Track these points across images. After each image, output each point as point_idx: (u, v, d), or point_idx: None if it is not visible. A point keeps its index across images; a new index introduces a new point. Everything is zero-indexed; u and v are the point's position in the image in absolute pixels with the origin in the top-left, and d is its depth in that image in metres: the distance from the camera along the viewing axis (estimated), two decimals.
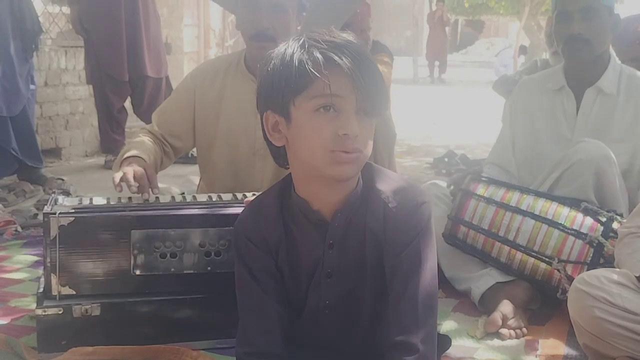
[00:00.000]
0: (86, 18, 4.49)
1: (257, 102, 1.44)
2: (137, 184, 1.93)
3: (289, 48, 1.35)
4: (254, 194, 1.88)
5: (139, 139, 2.27)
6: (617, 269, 1.75)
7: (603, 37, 2.36)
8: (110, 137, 4.74)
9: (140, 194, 1.93)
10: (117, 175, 1.94)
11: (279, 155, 1.47)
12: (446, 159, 4.89)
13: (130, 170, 1.95)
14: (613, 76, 2.38)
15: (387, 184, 1.44)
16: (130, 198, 1.91)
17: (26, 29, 3.88)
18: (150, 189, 1.97)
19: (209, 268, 1.81)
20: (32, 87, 3.96)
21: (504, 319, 2.00)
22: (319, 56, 1.31)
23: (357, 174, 1.42)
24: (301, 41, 1.35)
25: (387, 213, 1.42)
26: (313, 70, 1.30)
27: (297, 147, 1.39)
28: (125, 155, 2.11)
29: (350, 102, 1.33)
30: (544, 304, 2.18)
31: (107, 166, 4.73)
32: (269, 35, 2.20)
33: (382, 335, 1.45)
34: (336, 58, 1.30)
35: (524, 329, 2.02)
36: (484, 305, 2.13)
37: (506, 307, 2.03)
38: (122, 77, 4.59)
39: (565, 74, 2.45)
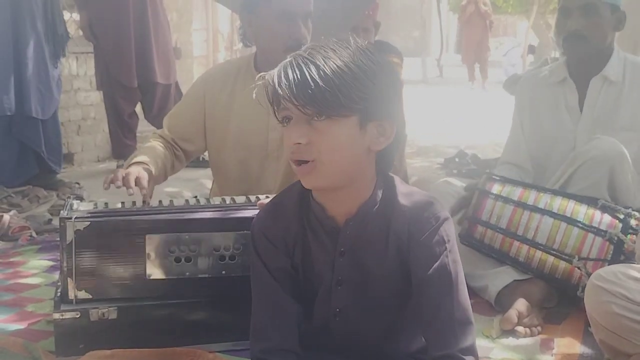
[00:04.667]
0: (95, 24, 4.52)
1: None
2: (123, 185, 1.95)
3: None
4: (267, 196, 1.88)
5: (150, 144, 2.30)
6: (635, 265, 1.74)
7: (601, 33, 2.35)
8: (122, 142, 4.77)
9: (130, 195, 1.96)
10: (115, 176, 1.98)
11: None
12: (457, 159, 4.88)
13: (122, 172, 2.00)
14: (618, 64, 2.39)
15: (409, 199, 1.43)
16: (145, 202, 1.93)
17: (57, 34, 3.98)
18: (142, 193, 1.98)
19: (223, 272, 1.81)
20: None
21: (520, 316, 1.99)
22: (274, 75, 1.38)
23: (327, 184, 1.38)
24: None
25: (411, 230, 1.41)
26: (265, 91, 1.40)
27: None
28: (134, 161, 2.14)
29: (294, 112, 1.34)
30: (560, 302, 2.17)
31: None
32: (303, 45, 2.21)
33: (395, 345, 1.47)
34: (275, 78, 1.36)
35: (539, 327, 2.01)
36: (500, 304, 2.13)
37: (522, 305, 2.02)
38: (131, 84, 4.61)
39: (567, 66, 2.46)
